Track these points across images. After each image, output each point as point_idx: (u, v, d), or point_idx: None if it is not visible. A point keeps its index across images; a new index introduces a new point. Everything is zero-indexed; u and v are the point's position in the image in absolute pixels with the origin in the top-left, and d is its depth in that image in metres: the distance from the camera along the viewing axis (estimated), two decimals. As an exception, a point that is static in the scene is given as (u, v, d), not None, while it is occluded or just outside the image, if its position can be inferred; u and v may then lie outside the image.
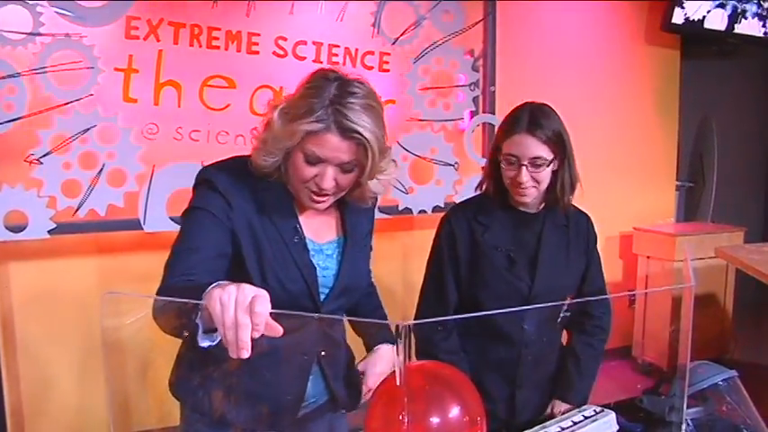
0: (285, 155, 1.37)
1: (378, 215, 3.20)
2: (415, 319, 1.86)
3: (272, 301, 0.99)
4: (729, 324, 4.29)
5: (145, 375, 3.23)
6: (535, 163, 1.68)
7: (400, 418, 1.25)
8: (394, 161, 1.46)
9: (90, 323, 2.95)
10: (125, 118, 2.81)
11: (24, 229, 2.71)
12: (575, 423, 1.64)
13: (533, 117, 1.70)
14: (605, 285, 1.98)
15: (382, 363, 1.57)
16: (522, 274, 1.77)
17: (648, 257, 4.31)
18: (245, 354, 0.95)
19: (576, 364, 1.88)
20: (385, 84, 3.28)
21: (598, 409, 1.72)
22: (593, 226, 1.91)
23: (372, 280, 1.76)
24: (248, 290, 0.98)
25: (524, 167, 1.68)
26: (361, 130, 1.29)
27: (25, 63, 2.64)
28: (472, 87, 3.44)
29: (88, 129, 2.74)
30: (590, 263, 1.91)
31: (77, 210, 2.77)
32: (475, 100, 3.47)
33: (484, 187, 1.85)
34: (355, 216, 1.55)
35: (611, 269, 4.53)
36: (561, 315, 1.85)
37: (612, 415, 1.69)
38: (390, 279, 3.67)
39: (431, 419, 1.27)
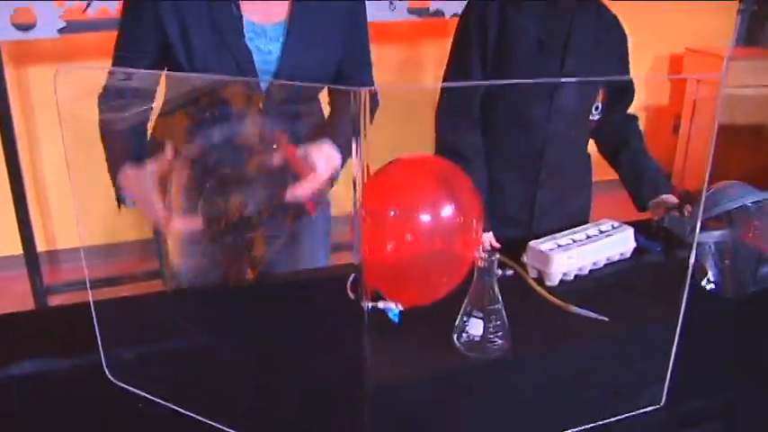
0: None
1: (406, 16, 3.07)
2: (438, 109, 1.76)
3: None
4: (778, 155, 4.09)
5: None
6: None
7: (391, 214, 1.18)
8: None
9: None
10: None
11: (33, 28, 2.59)
12: (588, 236, 1.56)
13: None
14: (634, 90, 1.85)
15: (322, 160, 1.32)
16: (552, 59, 1.65)
17: (699, 81, 4.04)
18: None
19: (640, 160, 1.79)
20: None
21: (616, 224, 1.63)
22: (622, 27, 1.75)
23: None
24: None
25: None
26: None
27: None
28: None
29: None
30: (626, 68, 1.80)
31: (87, 7, 2.63)
32: None
33: None
34: (317, 19, 1.38)
35: (659, 91, 4.29)
36: (593, 113, 1.74)
37: (630, 230, 1.60)
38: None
39: (419, 217, 1.19)
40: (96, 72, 1.14)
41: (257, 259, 1.64)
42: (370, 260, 1.09)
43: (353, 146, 0.76)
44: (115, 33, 2.84)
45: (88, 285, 1.12)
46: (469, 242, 1.21)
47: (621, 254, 1.58)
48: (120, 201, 1.35)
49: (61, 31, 2.63)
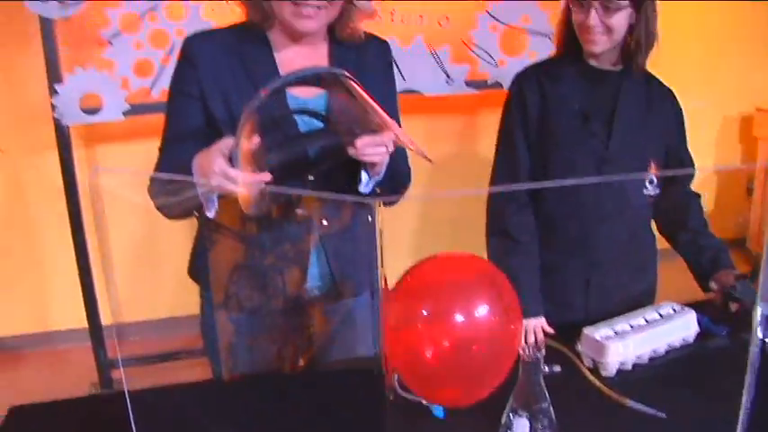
0: None
1: (465, 90, 3.07)
2: (490, 195, 1.76)
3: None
4: None
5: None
6: (606, 5, 1.51)
7: (422, 313, 1.14)
8: None
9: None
10: (193, -7, 2.70)
11: (100, 111, 2.70)
12: (647, 321, 1.48)
13: None
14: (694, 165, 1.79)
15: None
16: (597, 131, 1.61)
17: (770, 140, 3.88)
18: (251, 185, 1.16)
19: (700, 239, 1.71)
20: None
21: (677, 306, 1.54)
22: (678, 101, 1.70)
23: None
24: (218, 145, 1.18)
25: (593, 9, 1.52)
26: None
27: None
28: (571, -53, 3.06)
29: (156, 6, 2.65)
30: (682, 141, 1.73)
31: (151, 89, 2.73)
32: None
33: (555, 44, 1.71)
34: (355, 69, 1.37)
35: (728, 154, 4.14)
36: (647, 187, 1.67)
37: (692, 314, 1.51)
38: (478, 158, 3.49)
39: (454, 317, 1.14)
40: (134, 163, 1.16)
41: (314, 337, 1.62)
42: (405, 361, 1.06)
43: (375, 253, 0.75)
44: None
45: (123, 376, 1.12)
46: (509, 343, 1.16)
47: (684, 339, 1.49)
48: (201, 211, 1.31)
49: (126, 113, 2.72)
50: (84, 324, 2.99)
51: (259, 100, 1.17)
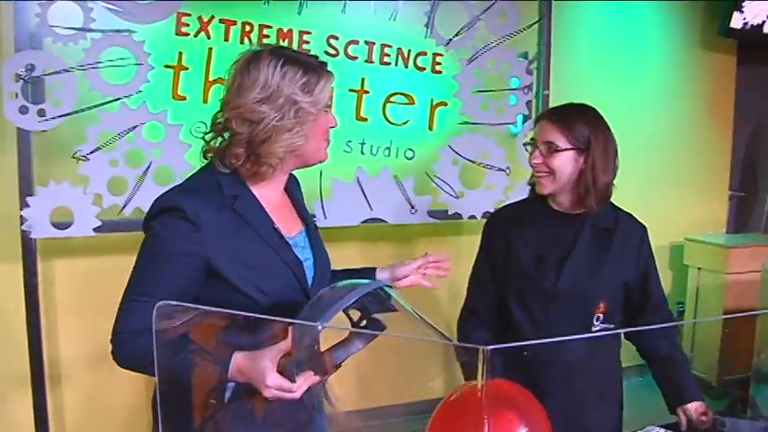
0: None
1: (427, 219, 3.22)
2: (459, 316, 1.93)
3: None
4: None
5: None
6: (549, 148, 1.70)
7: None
8: None
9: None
10: (174, 115, 2.77)
11: (70, 226, 2.68)
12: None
13: (561, 108, 1.78)
14: (666, 300, 1.90)
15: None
16: (548, 273, 1.75)
17: (700, 269, 4.17)
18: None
19: (673, 365, 1.80)
20: (437, 86, 3.23)
21: (661, 430, 1.63)
22: (648, 238, 1.84)
23: None
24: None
25: (537, 149, 1.72)
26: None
27: (75, 59, 2.61)
28: (526, 91, 3.34)
29: (136, 126, 2.71)
30: (648, 276, 1.84)
31: (123, 208, 2.74)
32: (528, 104, 3.38)
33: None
34: (302, 205, 1.59)
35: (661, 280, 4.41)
36: (594, 324, 1.76)
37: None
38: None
39: None
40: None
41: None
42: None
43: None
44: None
45: None
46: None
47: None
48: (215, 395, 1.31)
49: (97, 230, 2.71)
50: None
51: (317, 332, 1.20)
